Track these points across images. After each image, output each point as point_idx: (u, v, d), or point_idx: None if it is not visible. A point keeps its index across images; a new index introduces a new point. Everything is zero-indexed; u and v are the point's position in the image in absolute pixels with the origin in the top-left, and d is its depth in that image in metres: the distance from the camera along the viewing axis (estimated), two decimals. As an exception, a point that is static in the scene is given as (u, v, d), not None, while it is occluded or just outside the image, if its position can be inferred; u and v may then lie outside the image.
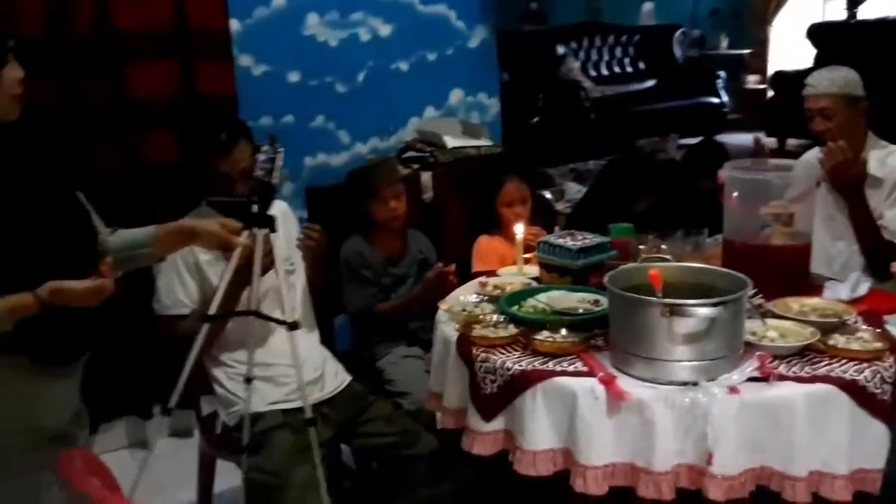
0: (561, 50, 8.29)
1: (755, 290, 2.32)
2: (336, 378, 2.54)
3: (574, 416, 1.89)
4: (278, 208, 2.64)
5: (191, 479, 2.63)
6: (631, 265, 2.14)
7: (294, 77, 3.62)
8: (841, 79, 2.65)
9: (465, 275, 2.85)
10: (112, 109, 3.16)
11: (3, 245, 1.58)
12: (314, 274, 2.64)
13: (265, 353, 2.42)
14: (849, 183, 2.62)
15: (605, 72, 8.66)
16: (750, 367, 1.89)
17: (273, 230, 2.04)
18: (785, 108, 6.44)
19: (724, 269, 2.11)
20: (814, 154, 2.78)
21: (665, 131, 6.98)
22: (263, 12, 3.52)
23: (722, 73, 8.74)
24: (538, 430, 1.94)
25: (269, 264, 2.08)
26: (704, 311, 1.80)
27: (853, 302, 2.33)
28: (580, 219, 4.10)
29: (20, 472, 1.67)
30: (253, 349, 2.42)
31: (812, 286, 2.43)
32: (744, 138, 7.95)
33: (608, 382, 1.88)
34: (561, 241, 2.51)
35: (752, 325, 2.09)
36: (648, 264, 2.18)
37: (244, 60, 3.48)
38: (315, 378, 2.45)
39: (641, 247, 2.83)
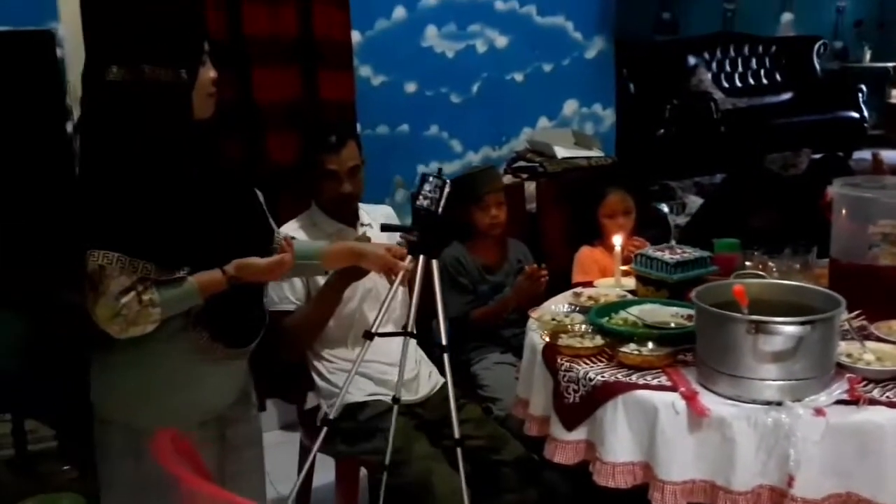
0: (692, 60, 8.12)
1: (858, 312, 2.26)
2: (430, 380, 2.61)
3: (654, 429, 1.89)
4: (382, 213, 2.76)
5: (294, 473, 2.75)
6: (722, 281, 2.11)
7: (411, 87, 3.73)
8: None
9: (566, 285, 2.87)
10: (239, 110, 3.35)
11: (199, 228, 1.76)
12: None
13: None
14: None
15: (738, 83, 8.41)
16: (839, 390, 1.84)
17: (435, 258, 2.12)
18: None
19: (819, 288, 2.05)
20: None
21: (800, 146, 6.72)
22: (384, 24, 3.65)
23: (864, 87, 8.34)
24: (618, 442, 1.95)
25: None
26: (790, 330, 1.77)
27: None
28: (694, 233, 4.04)
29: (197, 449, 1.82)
30: (351, 346, 2.54)
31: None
32: (890, 155, 7.56)
33: (690, 398, 1.87)
34: (658, 254, 2.50)
35: (849, 347, 2.03)
36: (740, 280, 2.14)
37: (364, 70, 3.62)
38: (410, 378, 2.53)
39: (748, 263, 2.79)
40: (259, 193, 2.09)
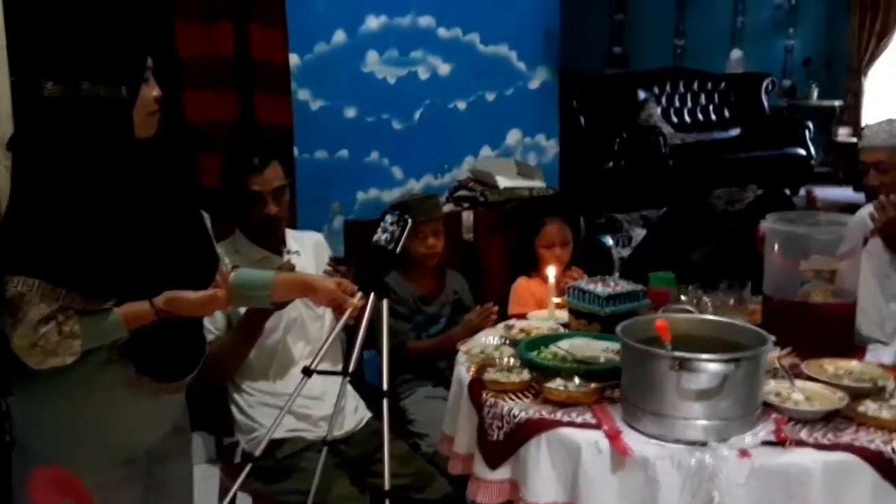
0: (642, 95, 8.19)
1: (789, 349, 2.22)
2: (356, 414, 2.52)
3: (578, 469, 1.82)
4: (311, 239, 2.67)
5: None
6: (649, 316, 2.06)
7: (351, 112, 3.67)
8: (898, 132, 2.53)
9: (503, 316, 2.81)
10: (169, 132, 3.25)
11: (132, 256, 1.66)
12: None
13: (284, 384, 2.42)
14: (903, 240, 2.48)
15: (687, 119, 8.50)
16: (765, 431, 1.79)
17: (385, 297, 2.04)
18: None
19: (748, 325, 2.02)
20: (867, 210, 2.64)
21: (748, 182, 6.80)
22: (324, 48, 3.59)
23: (811, 125, 8.47)
24: (541, 482, 1.88)
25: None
26: (714, 367, 1.72)
27: (897, 367, 2.20)
28: (636, 266, 4.02)
29: (116, 484, 1.72)
30: (273, 379, 2.44)
31: (854, 348, 2.30)
32: (835, 192, 7.69)
33: (613, 436, 1.81)
34: (591, 286, 2.45)
35: (778, 386, 1.99)
36: (664, 315, 2.10)
37: (302, 94, 3.55)
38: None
39: (683, 298, 2.75)
40: (206, 217, 1.99)
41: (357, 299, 1.98)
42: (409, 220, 2.02)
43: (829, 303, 2.28)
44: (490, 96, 3.97)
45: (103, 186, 1.63)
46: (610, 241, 4.98)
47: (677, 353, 1.74)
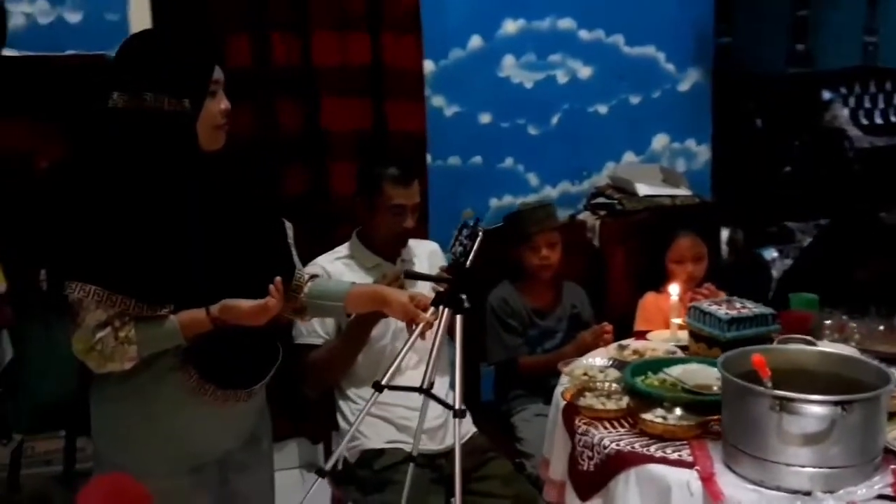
0: (827, 95, 7.59)
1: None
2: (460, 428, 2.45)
3: (666, 510, 1.68)
4: (427, 248, 2.65)
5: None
6: (759, 346, 1.86)
7: (485, 118, 3.60)
8: None
9: (628, 334, 2.66)
10: (304, 139, 3.33)
11: (191, 264, 1.69)
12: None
13: (391, 394, 2.39)
14: None
15: (879, 121, 7.80)
16: (882, 482, 1.57)
17: (459, 313, 1.98)
18: None
19: (872, 361, 1.78)
20: None
21: (948, 188, 6.16)
22: (459, 54, 3.54)
23: None
24: (630, 520, 1.75)
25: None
26: (819, 410, 1.53)
27: None
28: (791, 283, 3.70)
29: (183, 491, 1.75)
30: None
31: None
32: None
33: (706, 478, 1.65)
34: (714, 308, 2.27)
35: (913, 432, 1.75)
36: (772, 347, 1.89)
37: (437, 101, 3.52)
38: (436, 426, 2.39)
39: (827, 322, 2.49)
40: (289, 227, 2.01)
41: (429, 314, 1.91)
42: (481, 233, 1.94)
43: None
44: (635, 99, 3.77)
45: (163, 196, 1.65)
46: (773, 253, 4.62)
47: (778, 393, 1.56)
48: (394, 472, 2.27)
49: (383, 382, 1.89)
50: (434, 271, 2.56)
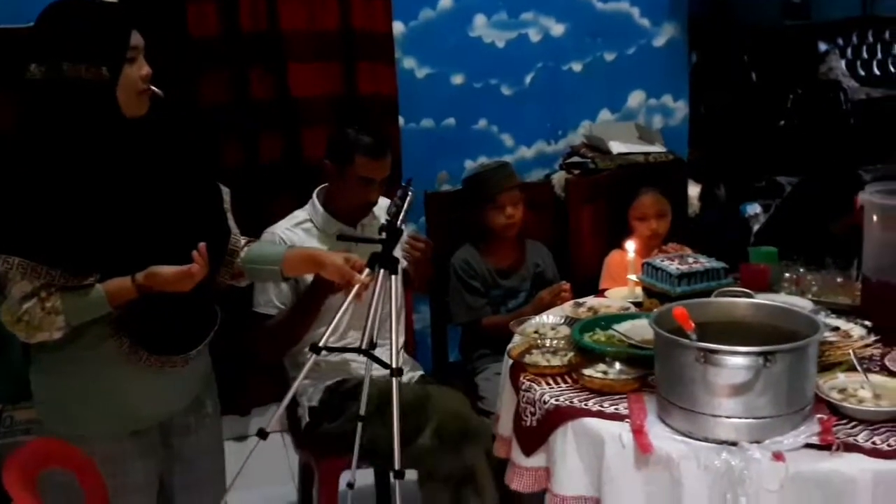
0: (823, 47, 7.48)
1: (876, 338, 1.96)
2: (408, 374, 2.50)
3: (601, 463, 1.70)
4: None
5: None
6: (693, 300, 1.87)
7: (458, 79, 3.59)
8: None
9: (594, 291, 2.67)
10: (275, 106, 3.33)
11: (116, 233, 1.70)
12: (421, 284, 2.61)
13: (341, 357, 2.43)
14: None
15: (876, 72, 7.68)
16: (808, 432, 1.58)
17: (395, 273, 2.00)
18: None
19: (803, 311, 1.79)
20: None
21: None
22: (429, 14, 3.52)
23: None
24: (568, 474, 1.77)
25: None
26: (742, 361, 1.53)
27: None
28: (768, 237, 3.68)
29: (124, 456, 1.79)
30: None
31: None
32: None
33: (637, 431, 1.66)
34: (665, 263, 2.27)
35: (848, 380, 1.76)
36: (709, 300, 1.90)
37: (407, 62, 3.52)
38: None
39: (786, 275, 2.50)
40: (226, 192, 2.02)
41: (364, 275, 1.93)
42: (412, 193, 1.94)
43: (932, 286, 1.98)
44: (609, 56, 3.74)
45: (85, 165, 1.66)
46: (757, 208, 4.59)
47: (701, 345, 1.57)
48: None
49: (321, 344, 1.91)
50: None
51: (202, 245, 1.71)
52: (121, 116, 1.72)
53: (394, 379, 1.86)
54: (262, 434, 1.81)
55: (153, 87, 1.77)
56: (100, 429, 1.77)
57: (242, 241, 2.02)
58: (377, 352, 1.91)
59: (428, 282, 2.70)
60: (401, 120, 3.48)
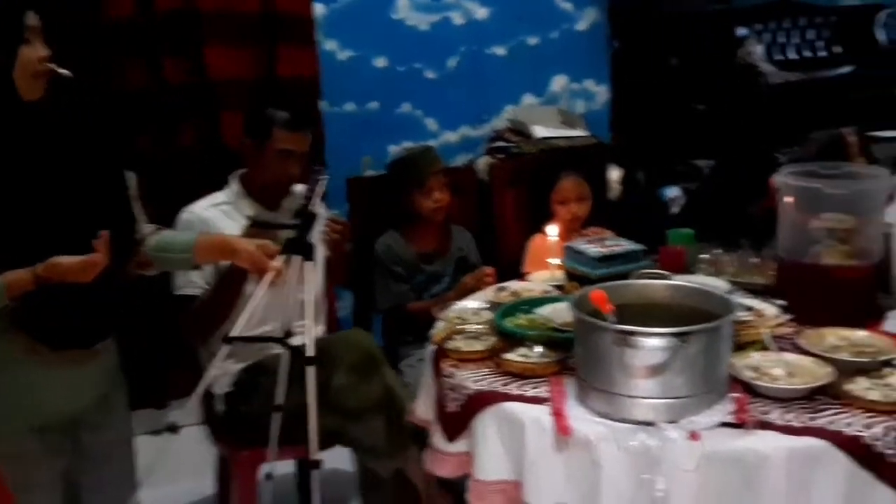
0: (742, 32, 7.65)
1: (788, 317, 2.01)
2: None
3: (522, 447, 1.70)
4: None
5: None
6: (618, 283, 1.88)
7: (381, 62, 3.55)
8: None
9: (516, 275, 2.67)
10: (192, 90, 3.24)
11: (9, 225, 1.62)
12: (340, 270, 2.58)
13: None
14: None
15: (793, 56, 7.89)
16: (723, 411, 1.60)
17: (309, 259, 1.96)
18: None
19: (717, 292, 1.81)
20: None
21: (857, 122, 6.28)
22: (351, -4, 3.47)
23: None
24: (490, 459, 1.76)
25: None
26: (658, 342, 1.55)
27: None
28: (688, 220, 3.75)
29: (28, 453, 1.72)
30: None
31: (875, 315, 2.05)
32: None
33: (556, 414, 1.67)
34: (586, 246, 2.28)
35: (762, 359, 1.79)
36: (627, 282, 1.92)
37: (329, 45, 3.46)
38: None
39: (703, 257, 2.54)
40: (131, 177, 1.95)
41: (278, 262, 1.89)
42: (325, 176, 1.91)
43: (842, 265, 2.03)
44: (532, 40, 3.75)
45: None
46: (675, 192, 4.67)
47: (617, 326, 1.58)
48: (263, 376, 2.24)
49: (233, 335, 1.86)
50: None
51: (104, 233, 1.64)
52: (18, 99, 1.64)
53: (308, 368, 1.82)
54: (173, 428, 1.75)
55: (58, 68, 1.70)
56: (3, 425, 1.70)
57: (148, 228, 1.95)
58: (294, 340, 1.87)
59: (347, 271, 2.67)
60: (323, 104, 3.43)
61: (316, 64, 3.38)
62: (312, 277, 1.87)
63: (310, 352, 1.83)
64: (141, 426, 3.14)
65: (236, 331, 1.87)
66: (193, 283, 2.37)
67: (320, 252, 2.53)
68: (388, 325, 2.83)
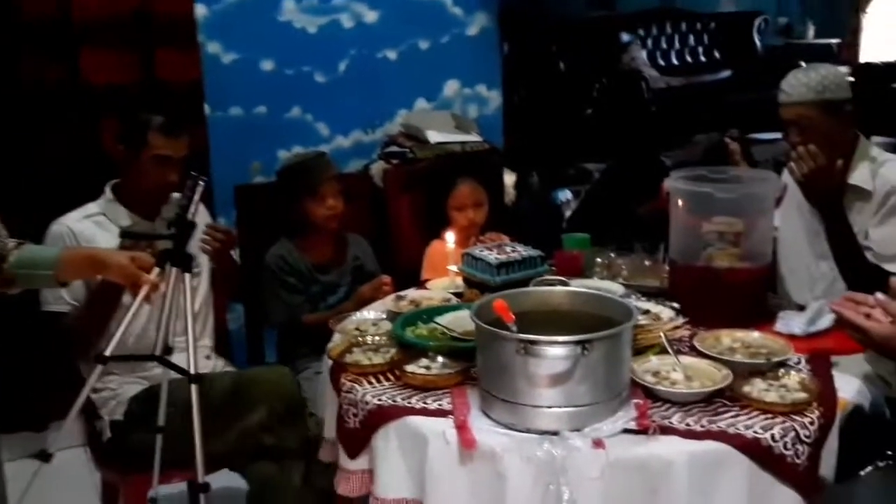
0: (626, 37, 7.85)
1: (684, 321, 2.03)
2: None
3: (425, 462, 1.65)
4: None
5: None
6: (512, 291, 1.86)
7: (268, 65, 3.45)
8: (818, 82, 2.28)
9: (416, 282, 2.62)
10: (67, 96, 3.07)
11: None
12: (230, 283, 2.48)
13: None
14: (822, 194, 2.25)
15: (675, 62, 8.15)
16: (627, 417, 1.60)
17: (188, 271, 1.85)
18: (871, 103, 5.88)
19: (616, 297, 1.82)
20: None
21: (738, 126, 6.52)
22: (234, -3, 3.35)
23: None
24: (391, 476, 1.71)
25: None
26: (561, 351, 1.53)
27: (810, 337, 2.00)
28: (580, 223, 3.80)
29: None
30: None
31: (766, 316, 2.09)
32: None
33: (460, 427, 1.63)
34: (484, 253, 2.25)
35: (660, 363, 1.80)
36: (527, 290, 1.90)
37: (212, 47, 3.34)
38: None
39: (598, 260, 2.55)
40: None
41: (154, 275, 1.79)
42: (201, 183, 1.83)
43: (734, 268, 2.07)
44: (424, 45, 3.72)
45: None
46: (567, 195, 4.73)
47: (520, 336, 1.55)
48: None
49: (107, 353, 1.74)
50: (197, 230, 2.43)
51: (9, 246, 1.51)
52: None
53: (192, 386, 1.73)
54: (44, 456, 1.63)
55: None
56: None
57: (11, 243, 1.80)
58: (176, 357, 1.77)
59: (237, 283, 2.57)
60: (207, 108, 3.30)
61: (198, 67, 3.24)
62: (193, 290, 1.77)
63: (192, 368, 1.73)
64: (17, 451, 2.98)
65: (109, 349, 1.75)
66: (62, 298, 2.23)
67: (204, 263, 2.43)
68: (282, 339, 2.73)
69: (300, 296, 2.64)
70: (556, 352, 1.52)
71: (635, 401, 1.63)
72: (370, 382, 1.85)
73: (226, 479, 2.44)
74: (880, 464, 1.74)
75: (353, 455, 1.82)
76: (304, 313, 2.63)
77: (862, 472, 1.74)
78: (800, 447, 1.58)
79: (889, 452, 1.75)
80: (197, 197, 1.82)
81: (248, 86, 3.41)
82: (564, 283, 2.07)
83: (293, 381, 2.18)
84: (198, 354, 2.33)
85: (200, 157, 3.18)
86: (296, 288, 2.63)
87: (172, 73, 3.16)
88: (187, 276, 1.78)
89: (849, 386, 1.77)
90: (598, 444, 1.54)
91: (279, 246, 2.66)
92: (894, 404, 1.96)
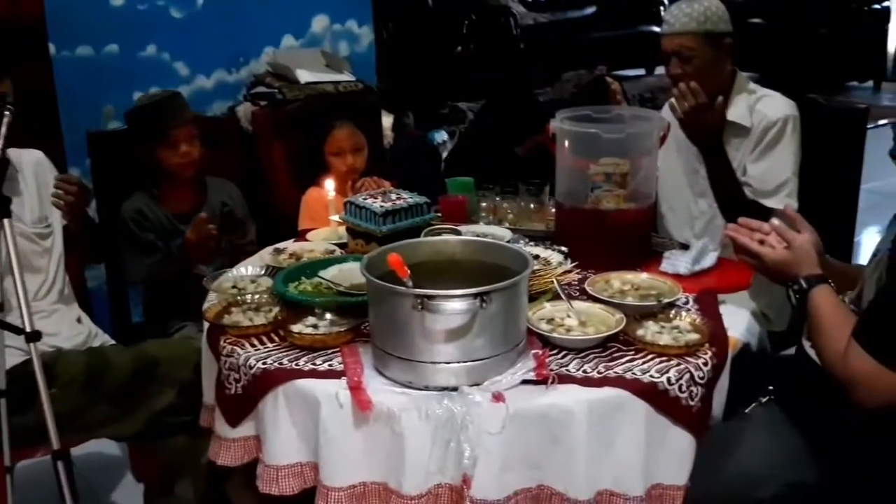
0: (493, -27, 7.76)
1: (574, 265, 2.00)
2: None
3: (318, 426, 1.56)
4: (31, 157, 2.25)
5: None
6: (403, 242, 1.77)
7: (117, 0, 3.16)
8: (701, 13, 2.27)
9: (293, 233, 2.48)
10: None
11: None
12: (88, 246, 2.29)
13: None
14: (703, 131, 2.26)
15: (542, -3, 8.14)
16: (525, 368, 1.56)
17: (6, 216, 1.65)
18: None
19: (510, 245, 1.77)
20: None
21: (604, 62, 6.57)
22: (78, -78, 3.04)
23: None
24: (282, 442, 1.62)
25: None
26: (459, 305, 1.46)
27: (696, 276, 2.01)
28: (456, 165, 3.73)
29: None
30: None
31: (651, 256, 2.10)
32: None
33: (354, 388, 1.54)
34: (369, 201, 2.15)
35: (553, 310, 1.76)
36: (420, 240, 1.83)
37: (54, -19, 3.02)
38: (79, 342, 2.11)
39: (483, 205, 2.49)
40: None
41: None
42: (8, 112, 1.67)
43: (621, 209, 2.05)
44: (289, -24, 3.52)
45: None
46: (443, 136, 4.64)
47: (417, 291, 1.47)
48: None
49: None
50: (43, 185, 2.22)
51: None
52: None
53: (31, 345, 1.57)
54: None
55: None
56: None
57: None
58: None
59: (96, 245, 2.38)
60: (51, 47, 3.01)
61: (40, 2, 2.94)
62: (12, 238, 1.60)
63: (28, 326, 1.58)
64: None
65: None
66: None
67: (56, 219, 2.22)
68: (149, 297, 2.55)
69: (159, 252, 2.43)
70: (454, 306, 1.45)
71: (534, 351, 1.59)
72: (252, 345, 1.74)
73: (99, 445, 2.30)
74: (763, 399, 1.78)
75: (234, 423, 1.72)
76: (163, 271, 2.43)
77: (747, 410, 1.76)
78: (694, 389, 1.59)
79: (771, 388, 1.78)
80: (4, 130, 1.63)
81: (97, 23, 3.12)
82: (456, 232, 2.00)
83: (198, 352, 2.05)
84: (62, 319, 2.18)
85: (47, 101, 2.91)
86: (154, 245, 2.42)
87: (10, 7, 2.85)
88: (6, 221, 1.60)
89: (737, 325, 1.79)
90: (497, 397, 1.50)
91: (135, 199, 2.44)
92: (775, 339, 2.02)
